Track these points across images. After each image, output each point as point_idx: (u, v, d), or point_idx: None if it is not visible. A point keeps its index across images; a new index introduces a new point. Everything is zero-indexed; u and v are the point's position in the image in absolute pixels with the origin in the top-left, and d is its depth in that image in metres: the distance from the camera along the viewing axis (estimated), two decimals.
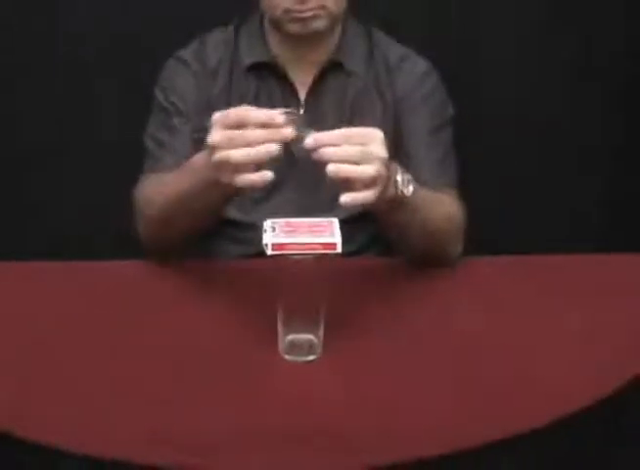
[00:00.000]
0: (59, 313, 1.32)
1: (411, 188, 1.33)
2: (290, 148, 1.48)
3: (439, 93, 1.65)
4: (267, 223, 1.22)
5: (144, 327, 1.29)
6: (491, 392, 1.16)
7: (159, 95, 1.63)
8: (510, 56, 2.11)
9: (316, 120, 1.53)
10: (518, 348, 1.26)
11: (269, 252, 1.18)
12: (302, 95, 1.61)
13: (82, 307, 1.34)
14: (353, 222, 1.49)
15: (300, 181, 1.59)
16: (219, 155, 1.22)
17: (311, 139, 1.22)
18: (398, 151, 1.54)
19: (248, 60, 1.61)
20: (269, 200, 1.60)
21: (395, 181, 1.31)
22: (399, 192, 1.31)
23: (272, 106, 1.50)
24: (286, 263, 1.18)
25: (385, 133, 1.25)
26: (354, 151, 1.21)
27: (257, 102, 1.58)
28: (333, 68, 1.61)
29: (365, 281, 1.43)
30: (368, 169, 1.21)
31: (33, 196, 2.13)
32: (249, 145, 1.21)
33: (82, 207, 2.12)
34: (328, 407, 1.14)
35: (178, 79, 1.62)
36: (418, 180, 1.40)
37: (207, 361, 1.22)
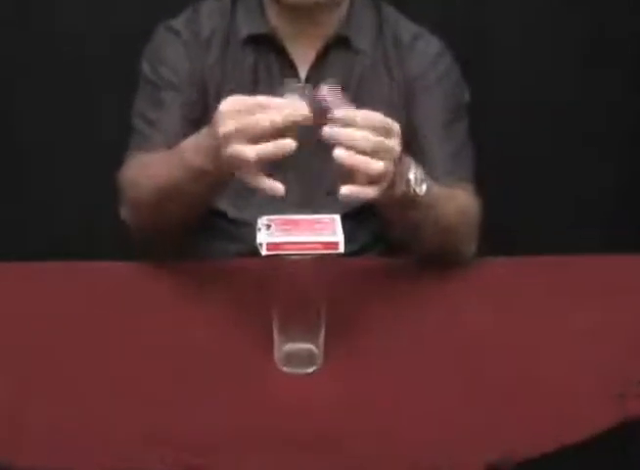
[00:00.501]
0: (56, 314, 1.30)
1: (424, 187, 1.27)
2: None
3: (454, 76, 1.57)
4: (262, 220, 1.14)
5: (139, 329, 1.26)
6: (498, 398, 1.12)
7: (145, 67, 1.54)
8: (517, 42, 2.08)
9: None
10: (526, 352, 1.22)
11: (263, 252, 1.10)
12: (303, 72, 1.52)
13: (79, 308, 1.31)
14: (355, 217, 1.45)
15: (300, 169, 1.49)
16: (232, 149, 1.14)
17: (341, 112, 1.13)
18: (409, 137, 1.47)
19: (244, 31, 1.52)
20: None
21: (408, 180, 1.25)
22: (411, 191, 1.25)
23: (270, 82, 1.50)
24: (282, 264, 1.11)
25: (394, 116, 1.19)
26: (374, 141, 1.13)
27: (254, 77, 1.51)
28: (338, 43, 1.52)
29: (368, 283, 1.37)
30: (378, 165, 1.13)
31: (33, 195, 2.12)
32: (263, 134, 1.12)
33: (82, 206, 2.11)
34: (329, 414, 1.09)
35: (168, 49, 1.53)
36: (430, 173, 1.35)
37: (202, 370, 1.17)
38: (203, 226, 1.51)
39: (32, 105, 2.05)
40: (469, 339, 1.25)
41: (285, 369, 1.17)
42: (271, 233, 1.12)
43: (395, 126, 1.17)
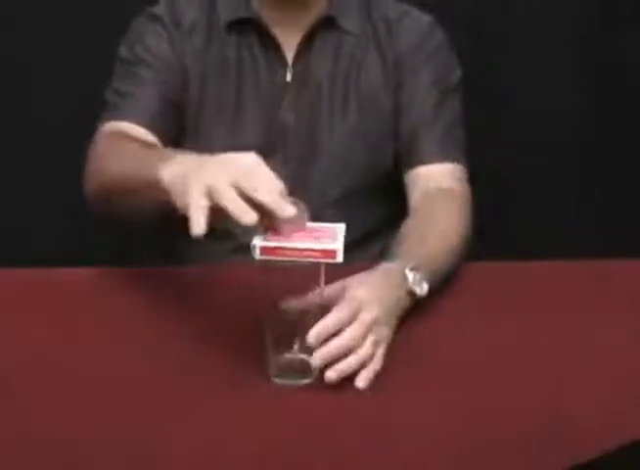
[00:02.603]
0: (33, 323, 1.24)
1: (425, 286, 1.23)
2: (279, 114, 1.44)
3: (445, 52, 1.54)
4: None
5: (118, 339, 1.20)
6: (503, 417, 1.06)
7: (123, 50, 1.49)
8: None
9: (306, 86, 1.48)
10: (536, 367, 1.16)
11: (257, 256, 1.06)
12: (290, 57, 1.49)
13: (51, 317, 1.25)
14: (357, 198, 1.44)
15: (290, 152, 1.49)
16: (194, 191, 1.04)
17: (312, 338, 1.07)
18: (398, 117, 1.49)
19: (226, 16, 1.49)
20: None
21: (410, 291, 1.21)
22: (415, 296, 1.22)
23: (256, 69, 1.48)
24: (276, 270, 1.07)
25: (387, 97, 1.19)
26: (351, 334, 1.09)
27: (239, 63, 1.49)
28: (324, 24, 1.49)
29: None
30: (365, 351, 1.10)
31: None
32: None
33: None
34: (324, 429, 1.04)
35: (148, 36, 1.49)
36: (419, 155, 1.36)
37: (187, 384, 1.11)
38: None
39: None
40: (473, 349, 1.20)
41: (277, 381, 1.12)
42: (267, 237, 1.07)
43: (358, 297, 1.12)
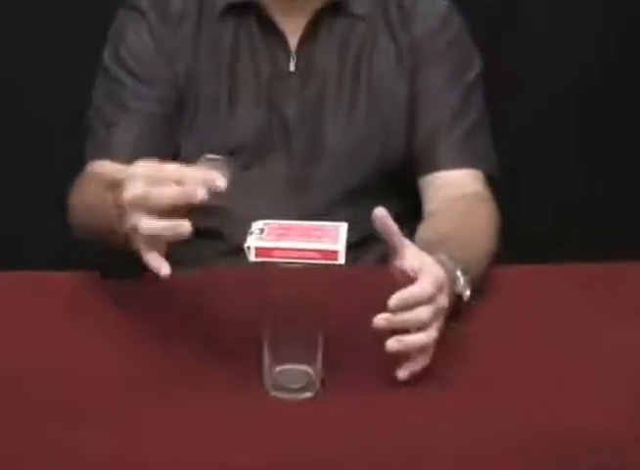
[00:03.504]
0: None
1: (468, 293, 1.16)
2: (279, 108, 1.38)
3: (464, 41, 1.45)
4: (256, 224, 1.03)
5: (104, 350, 1.13)
6: (518, 438, 0.99)
7: (106, 56, 1.42)
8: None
9: (311, 77, 1.40)
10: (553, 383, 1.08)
11: (251, 257, 0.99)
12: (294, 44, 1.40)
13: (35, 324, 1.19)
14: (367, 196, 1.36)
15: (292, 149, 1.40)
16: (131, 218, 1.02)
17: (392, 303, 1.03)
18: (416, 114, 1.42)
19: (223, 0, 1.39)
20: (250, 171, 1.39)
21: (459, 296, 1.15)
22: (462, 300, 1.15)
23: (255, 58, 1.39)
24: (273, 273, 1.00)
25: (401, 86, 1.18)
26: (428, 316, 1.04)
27: (235, 53, 1.40)
28: (331, 10, 1.40)
29: (372, 295, 1.17)
30: (430, 335, 1.05)
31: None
32: (162, 208, 1.00)
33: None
34: (327, 448, 0.97)
35: (130, 36, 1.40)
36: (438, 160, 1.33)
37: (179, 397, 1.04)
38: None
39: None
40: (487, 358, 1.13)
41: (275, 394, 1.04)
42: (263, 237, 1.00)
43: (441, 278, 1.07)
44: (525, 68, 1.97)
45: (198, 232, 1.41)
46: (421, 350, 1.05)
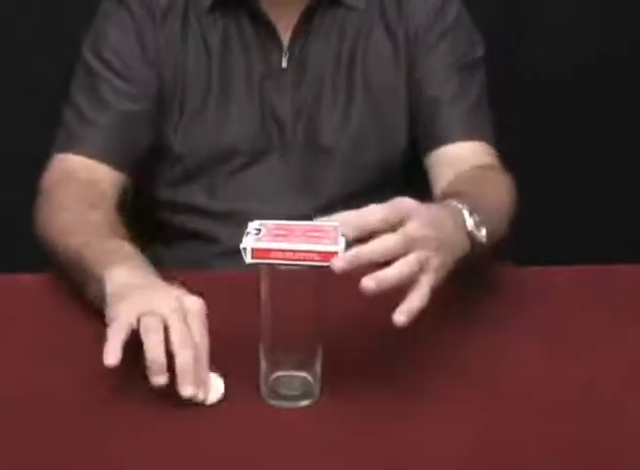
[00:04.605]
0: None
1: (483, 231, 1.08)
2: (272, 107, 1.34)
3: (464, 28, 1.40)
4: (253, 224, 0.98)
5: (86, 359, 1.05)
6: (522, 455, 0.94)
7: (86, 48, 1.37)
8: None
9: (305, 72, 1.35)
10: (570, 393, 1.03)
11: (248, 259, 0.94)
12: (286, 39, 1.35)
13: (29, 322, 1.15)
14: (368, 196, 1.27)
15: (288, 148, 1.36)
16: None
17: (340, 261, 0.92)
18: (417, 103, 1.38)
19: None
20: (246, 171, 1.36)
21: (470, 233, 1.06)
22: (475, 243, 1.06)
23: (246, 54, 1.35)
24: (271, 275, 0.96)
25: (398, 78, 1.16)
26: (392, 249, 0.94)
27: (225, 49, 1.35)
28: (324, 2, 1.35)
29: (374, 297, 1.15)
30: (408, 265, 0.93)
31: None
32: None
33: None
34: (326, 458, 0.93)
35: (112, 27, 1.35)
36: (446, 135, 1.30)
37: (170, 406, 0.98)
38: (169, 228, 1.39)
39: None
40: (492, 363, 1.08)
41: (272, 403, 1.00)
42: (259, 238, 0.96)
43: (405, 205, 0.97)
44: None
45: (193, 234, 1.39)
46: (411, 287, 0.95)
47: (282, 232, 0.96)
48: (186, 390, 0.96)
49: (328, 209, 1.32)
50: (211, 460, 0.93)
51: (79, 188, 1.29)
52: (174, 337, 0.97)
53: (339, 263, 0.92)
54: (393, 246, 0.94)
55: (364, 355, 1.08)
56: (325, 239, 0.95)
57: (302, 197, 1.36)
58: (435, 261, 0.96)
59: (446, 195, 1.17)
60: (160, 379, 0.96)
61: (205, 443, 0.95)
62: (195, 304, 1.00)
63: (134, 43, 1.34)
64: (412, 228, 0.95)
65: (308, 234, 0.96)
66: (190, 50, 1.35)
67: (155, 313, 0.98)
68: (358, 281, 1.13)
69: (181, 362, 0.96)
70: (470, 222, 1.06)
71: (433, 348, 1.09)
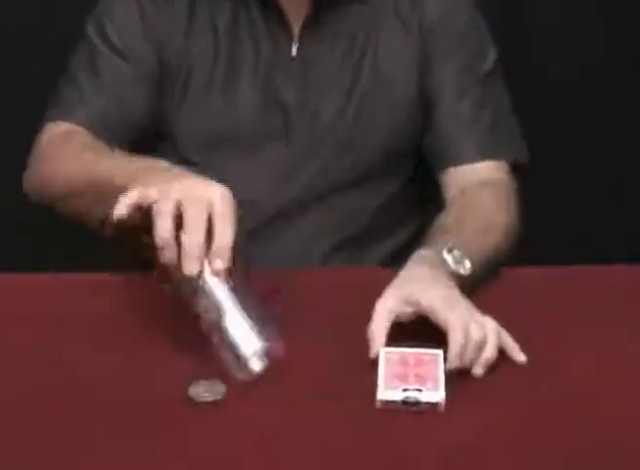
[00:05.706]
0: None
1: (467, 264, 1.15)
2: (278, 94, 1.33)
3: (479, 29, 1.39)
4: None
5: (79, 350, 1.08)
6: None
7: (90, 26, 1.37)
8: None
9: (314, 62, 1.34)
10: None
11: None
12: (296, 28, 1.34)
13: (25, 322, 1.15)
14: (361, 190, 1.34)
15: (292, 135, 1.34)
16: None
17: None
18: (429, 104, 1.37)
19: None
20: (249, 155, 1.35)
21: (452, 273, 1.13)
22: (457, 275, 1.14)
23: (256, 44, 1.34)
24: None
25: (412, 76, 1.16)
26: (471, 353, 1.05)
27: (233, 39, 1.34)
28: None
29: (368, 297, 1.14)
30: (490, 352, 1.05)
31: None
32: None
33: None
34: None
35: (118, 11, 1.35)
36: (461, 157, 1.31)
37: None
38: None
39: None
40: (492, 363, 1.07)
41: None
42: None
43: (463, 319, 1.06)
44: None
45: None
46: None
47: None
48: (186, 267, 0.98)
49: (333, 193, 1.36)
50: (212, 460, 0.93)
51: (83, 143, 1.29)
52: (184, 222, 0.99)
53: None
54: (473, 354, 1.04)
55: (363, 354, 1.07)
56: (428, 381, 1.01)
57: (307, 181, 1.35)
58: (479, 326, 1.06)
59: (431, 232, 1.23)
60: (168, 254, 0.99)
61: (203, 443, 0.95)
62: (223, 200, 1.04)
63: (139, 27, 1.34)
64: (474, 332, 1.05)
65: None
66: (196, 32, 1.34)
67: (170, 199, 1.01)
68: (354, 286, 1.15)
69: (185, 244, 0.99)
70: (450, 263, 1.14)
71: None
